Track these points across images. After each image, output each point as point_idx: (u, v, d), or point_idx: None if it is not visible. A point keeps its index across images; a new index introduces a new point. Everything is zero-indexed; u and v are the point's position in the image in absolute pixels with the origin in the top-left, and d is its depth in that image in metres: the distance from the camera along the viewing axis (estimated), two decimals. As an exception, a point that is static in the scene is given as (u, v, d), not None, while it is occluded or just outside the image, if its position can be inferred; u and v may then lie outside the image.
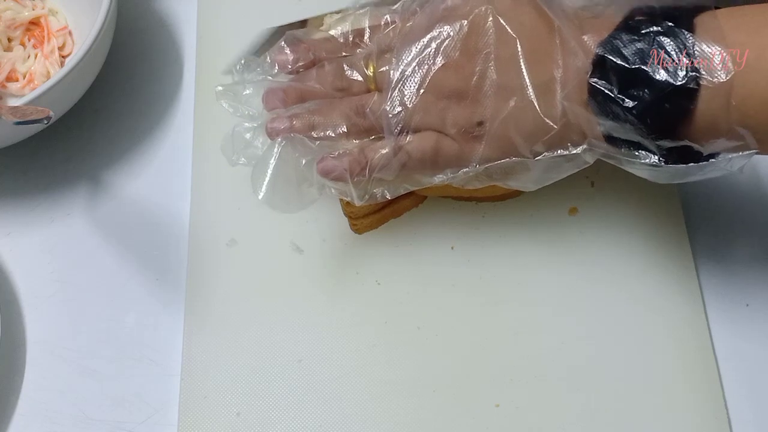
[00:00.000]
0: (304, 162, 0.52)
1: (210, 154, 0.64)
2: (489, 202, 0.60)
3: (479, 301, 0.57)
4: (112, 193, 0.64)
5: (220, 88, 0.56)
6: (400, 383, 0.55)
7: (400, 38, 0.52)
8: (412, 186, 0.52)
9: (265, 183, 0.52)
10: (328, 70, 0.54)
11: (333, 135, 0.52)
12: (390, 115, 0.51)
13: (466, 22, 0.49)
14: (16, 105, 0.56)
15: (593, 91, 0.46)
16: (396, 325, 0.57)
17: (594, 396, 0.54)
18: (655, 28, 0.45)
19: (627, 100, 0.45)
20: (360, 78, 0.53)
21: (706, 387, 0.54)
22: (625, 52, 0.45)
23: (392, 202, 0.59)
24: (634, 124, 0.45)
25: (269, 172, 0.52)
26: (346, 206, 0.57)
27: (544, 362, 0.55)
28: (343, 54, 0.55)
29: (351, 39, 0.55)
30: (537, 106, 0.48)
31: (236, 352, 0.56)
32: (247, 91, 0.56)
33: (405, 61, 0.51)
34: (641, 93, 0.45)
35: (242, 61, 0.57)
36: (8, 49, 0.67)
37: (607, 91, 0.45)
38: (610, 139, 0.47)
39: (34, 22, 0.68)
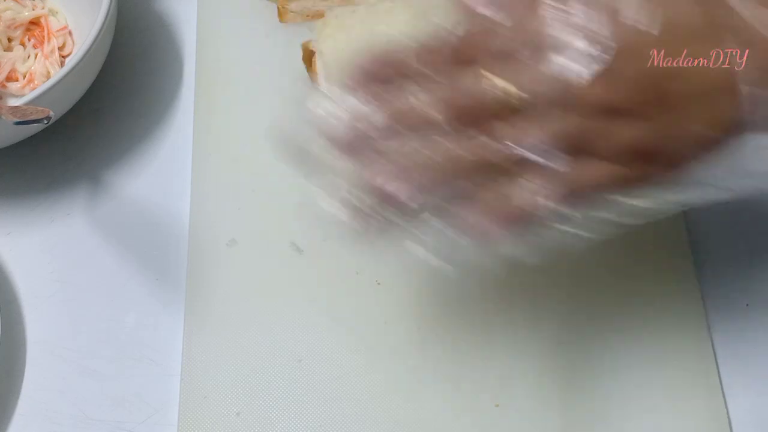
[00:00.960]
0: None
1: (210, 154, 0.64)
2: (489, 202, 0.60)
3: (479, 301, 0.57)
4: (112, 193, 0.64)
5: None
6: (400, 383, 0.55)
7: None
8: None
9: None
10: (436, 92, 0.39)
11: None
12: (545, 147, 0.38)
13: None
14: (16, 105, 0.56)
15: None
16: (396, 325, 0.57)
17: (594, 396, 0.54)
18: None
19: None
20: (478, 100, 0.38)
21: (706, 387, 0.54)
22: None
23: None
24: None
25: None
26: None
27: (544, 362, 0.55)
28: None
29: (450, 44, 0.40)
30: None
31: (236, 352, 0.56)
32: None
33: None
34: None
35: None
36: (8, 49, 0.67)
37: None
38: None
39: (34, 22, 0.68)
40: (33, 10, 0.68)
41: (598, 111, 0.38)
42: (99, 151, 0.66)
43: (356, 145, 0.40)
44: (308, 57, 0.63)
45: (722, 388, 0.54)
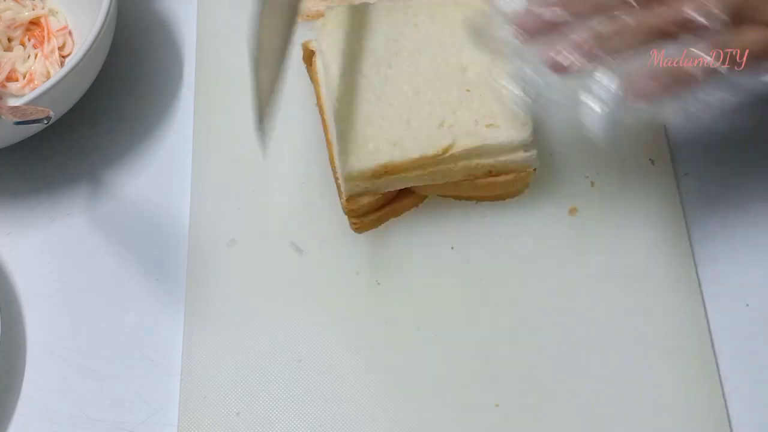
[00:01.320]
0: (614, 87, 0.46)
1: (210, 154, 0.64)
2: (489, 201, 0.60)
3: (479, 301, 0.57)
4: (112, 193, 0.64)
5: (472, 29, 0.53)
6: (400, 383, 0.55)
7: None
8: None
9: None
10: None
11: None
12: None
13: None
14: (16, 105, 0.56)
15: None
16: (396, 325, 0.57)
17: (594, 396, 0.54)
18: None
19: None
20: None
21: (706, 387, 0.54)
22: None
23: (392, 201, 0.59)
24: None
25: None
26: (347, 204, 0.57)
27: (543, 362, 0.55)
28: None
29: None
30: None
31: (236, 352, 0.56)
32: (503, 31, 0.49)
33: None
34: None
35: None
36: (8, 49, 0.67)
37: None
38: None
39: (34, 22, 0.68)
40: (33, 10, 0.68)
41: None
42: (99, 151, 0.66)
43: (541, 29, 0.48)
44: (308, 56, 0.63)
45: (722, 388, 0.54)
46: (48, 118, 0.54)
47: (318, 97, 0.63)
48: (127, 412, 0.56)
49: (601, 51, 0.46)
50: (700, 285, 0.58)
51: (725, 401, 0.54)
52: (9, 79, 0.66)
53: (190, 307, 0.58)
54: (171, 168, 0.65)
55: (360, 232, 0.59)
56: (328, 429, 0.54)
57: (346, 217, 0.59)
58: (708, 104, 0.46)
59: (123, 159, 0.65)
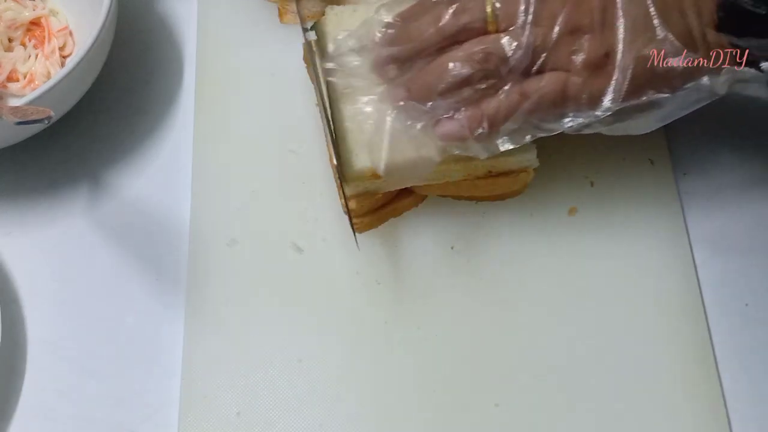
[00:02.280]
0: (419, 127, 0.51)
1: (210, 154, 0.64)
2: (489, 201, 0.60)
3: (479, 301, 0.57)
4: (113, 193, 0.64)
5: (330, 65, 0.55)
6: (400, 383, 0.55)
7: None
8: (537, 134, 0.51)
9: (383, 157, 0.52)
10: (433, 15, 0.51)
11: (454, 91, 0.50)
12: (518, 55, 0.48)
13: None
14: (16, 105, 0.56)
15: (731, 11, 0.46)
16: (396, 325, 0.57)
17: (593, 396, 0.54)
18: None
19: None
20: (469, 20, 0.50)
21: (706, 387, 0.54)
22: None
23: (392, 201, 0.59)
24: None
25: (384, 144, 0.52)
26: (347, 205, 0.57)
27: (543, 362, 0.55)
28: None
29: None
30: (675, 37, 0.47)
31: (236, 352, 0.56)
32: (356, 62, 0.54)
33: None
34: None
35: (342, 39, 0.55)
36: (9, 50, 0.67)
37: (748, 7, 0.46)
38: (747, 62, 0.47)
39: (35, 23, 0.68)
40: (33, 10, 0.68)
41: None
42: (99, 151, 0.66)
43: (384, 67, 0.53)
44: (309, 56, 0.63)
45: (722, 388, 0.54)
46: (49, 118, 0.54)
47: (319, 97, 0.62)
48: (127, 412, 0.56)
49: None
50: (699, 285, 0.58)
51: (725, 401, 0.54)
52: (9, 79, 0.66)
53: (191, 308, 0.58)
54: (171, 168, 0.65)
55: (360, 233, 0.59)
56: (328, 429, 0.54)
57: (346, 217, 0.59)
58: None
59: (123, 159, 0.65)
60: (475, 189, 0.58)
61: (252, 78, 0.67)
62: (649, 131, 0.51)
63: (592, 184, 0.61)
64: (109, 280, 0.60)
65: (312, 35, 0.58)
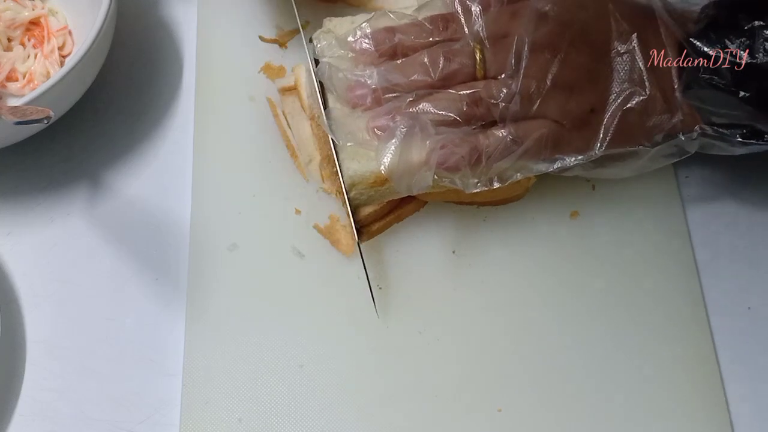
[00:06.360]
0: (428, 143, 0.52)
1: (210, 155, 0.63)
2: (490, 206, 0.60)
3: (481, 305, 0.57)
4: (112, 193, 0.64)
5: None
6: (401, 388, 0.55)
7: (517, 24, 0.53)
8: (524, 174, 0.53)
9: (389, 157, 0.52)
10: (427, 59, 0.53)
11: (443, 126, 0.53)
12: (508, 103, 0.52)
13: (585, 13, 0.52)
14: (16, 105, 0.56)
15: (707, 85, 0.51)
16: (397, 329, 0.57)
17: (595, 398, 0.54)
18: (757, 23, 0.49)
19: (741, 92, 0.50)
20: (459, 66, 0.53)
21: (708, 390, 0.54)
22: (731, 46, 0.50)
23: (396, 208, 0.59)
24: (747, 111, 0.50)
25: (393, 147, 0.52)
26: (350, 214, 0.57)
27: (545, 366, 0.55)
28: (433, 39, 0.55)
29: (441, 24, 0.55)
30: (660, 98, 0.51)
31: (237, 358, 0.56)
32: (340, 75, 0.55)
33: (526, 49, 0.52)
34: (754, 83, 0.50)
35: (319, 41, 0.57)
36: (8, 49, 0.66)
37: (721, 85, 0.51)
38: (718, 125, 0.52)
39: (34, 22, 0.68)
40: (33, 10, 0.68)
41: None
42: (99, 151, 0.66)
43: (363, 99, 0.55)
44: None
45: (724, 391, 0.55)
46: (48, 118, 0.54)
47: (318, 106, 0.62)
48: (127, 412, 0.56)
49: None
50: (701, 288, 0.58)
51: (727, 404, 0.54)
52: (9, 79, 0.65)
53: (192, 312, 0.58)
54: (171, 168, 0.65)
55: (362, 243, 0.59)
56: (329, 434, 0.54)
57: (351, 228, 0.58)
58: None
59: (123, 159, 0.65)
60: (476, 194, 0.58)
61: (251, 78, 0.67)
62: (622, 179, 0.55)
63: (593, 188, 0.61)
64: (109, 280, 0.60)
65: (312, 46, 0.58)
